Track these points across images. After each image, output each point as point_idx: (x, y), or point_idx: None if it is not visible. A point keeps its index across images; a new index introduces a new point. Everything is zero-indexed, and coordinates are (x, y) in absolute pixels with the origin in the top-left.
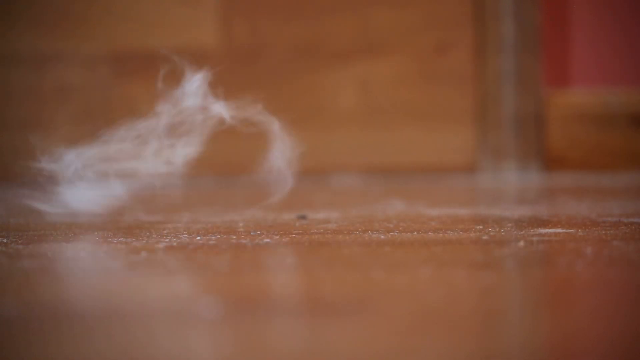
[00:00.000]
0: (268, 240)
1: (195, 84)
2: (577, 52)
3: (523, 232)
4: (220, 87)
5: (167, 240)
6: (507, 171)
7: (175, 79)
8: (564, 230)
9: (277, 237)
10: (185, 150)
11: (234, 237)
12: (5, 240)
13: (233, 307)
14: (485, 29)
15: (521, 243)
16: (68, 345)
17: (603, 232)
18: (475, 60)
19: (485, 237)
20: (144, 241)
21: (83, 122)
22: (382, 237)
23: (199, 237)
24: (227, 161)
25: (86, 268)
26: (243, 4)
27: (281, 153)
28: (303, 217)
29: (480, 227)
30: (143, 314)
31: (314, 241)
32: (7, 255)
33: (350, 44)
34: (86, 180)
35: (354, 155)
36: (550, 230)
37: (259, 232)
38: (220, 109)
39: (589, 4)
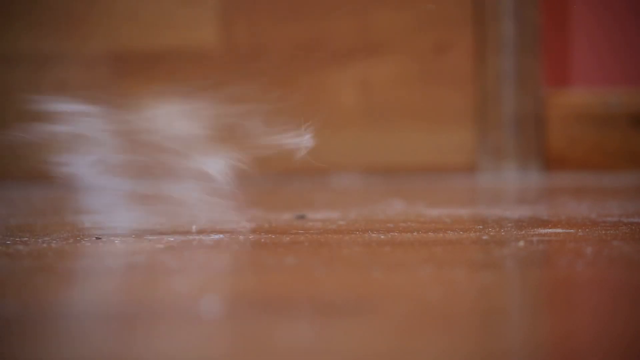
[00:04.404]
0: (268, 240)
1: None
2: (577, 52)
3: (523, 232)
4: (221, 87)
5: (167, 240)
6: (507, 171)
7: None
8: (564, 230)
9: (277, 237)
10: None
11: (234, 236)
12: (5, 240)
13: (233, 307)
14: (485, 29)
15: (521, 243)
16: (68, 345)
17: (603, 232)
18: (475, 60)
19: (485, 237)
20: (144, 241)
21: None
22: (382, 237)
23: (199, 237)
24: None
25: (86, 268)
26: (243, 4)
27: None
28: (302, 217)
29: (480, 227)
30: (143, 314)
31: (314, 241)
32: (8, 255)
33: (350, 44)
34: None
35: (354, 155)
36: (550, 230)
37: (258, 232)
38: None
39: (589, 4)
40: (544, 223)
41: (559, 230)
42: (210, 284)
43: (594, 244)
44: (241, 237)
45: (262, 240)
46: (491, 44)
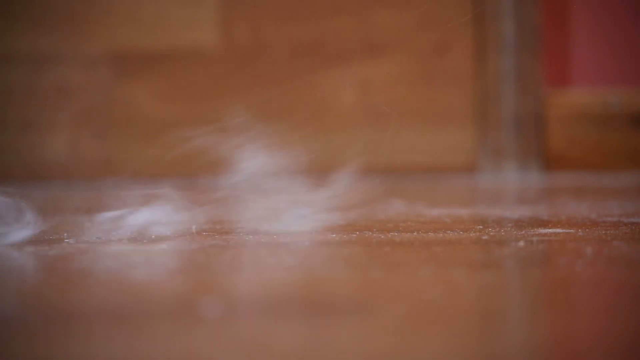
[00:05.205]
0: (268, 240)
1: None
2: (577, 52)
3: (523, 232)
4: (220, 87)
5: (167, 240)
6: (507, 171)
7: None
8: (564, 230)
9: (277, 237)
10: None
11: (234, 236)
12: (5, 241)
13: (233, 307)
14: (485, 29)
15: (521, 243)
16: (68, 345)
17: (603, 232)
18: (475, 60)
19: (485, 237)
20: (145, 241)
21: (83, 122)
22: (382, 237)
23: (199, 237)
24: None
25: (86, 268)
26: (243, 4)
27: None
28: (301, 217)
29: (480, 227)
30: (143, 314)
31: (315, 241)
32: (8, 255)
33: (350, 44)
34: None
35: (354, 155)
36: (550, 230)
37: (258, 232)
38: None
39: (589, 4)
40: (544, 223)
41: (559, 230)
42: (210, 284)
43: (594, 244)
44: (241, 237)
45: (262, 240)
46: (491, 44)
